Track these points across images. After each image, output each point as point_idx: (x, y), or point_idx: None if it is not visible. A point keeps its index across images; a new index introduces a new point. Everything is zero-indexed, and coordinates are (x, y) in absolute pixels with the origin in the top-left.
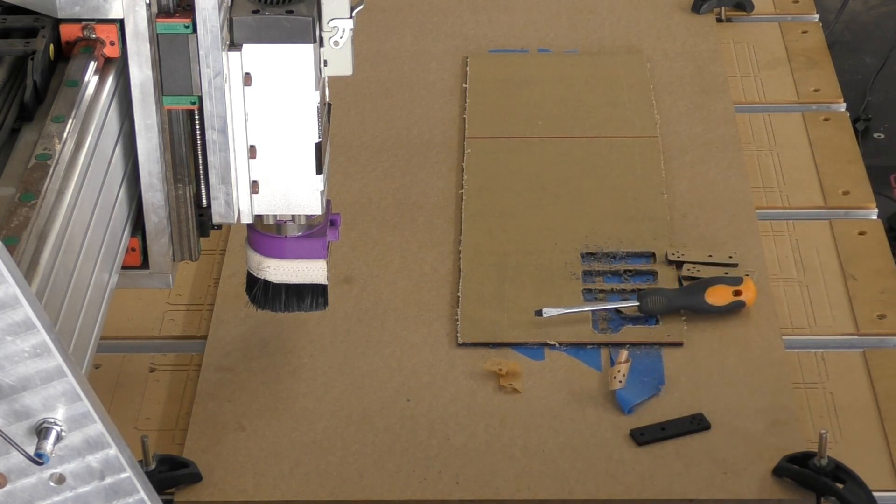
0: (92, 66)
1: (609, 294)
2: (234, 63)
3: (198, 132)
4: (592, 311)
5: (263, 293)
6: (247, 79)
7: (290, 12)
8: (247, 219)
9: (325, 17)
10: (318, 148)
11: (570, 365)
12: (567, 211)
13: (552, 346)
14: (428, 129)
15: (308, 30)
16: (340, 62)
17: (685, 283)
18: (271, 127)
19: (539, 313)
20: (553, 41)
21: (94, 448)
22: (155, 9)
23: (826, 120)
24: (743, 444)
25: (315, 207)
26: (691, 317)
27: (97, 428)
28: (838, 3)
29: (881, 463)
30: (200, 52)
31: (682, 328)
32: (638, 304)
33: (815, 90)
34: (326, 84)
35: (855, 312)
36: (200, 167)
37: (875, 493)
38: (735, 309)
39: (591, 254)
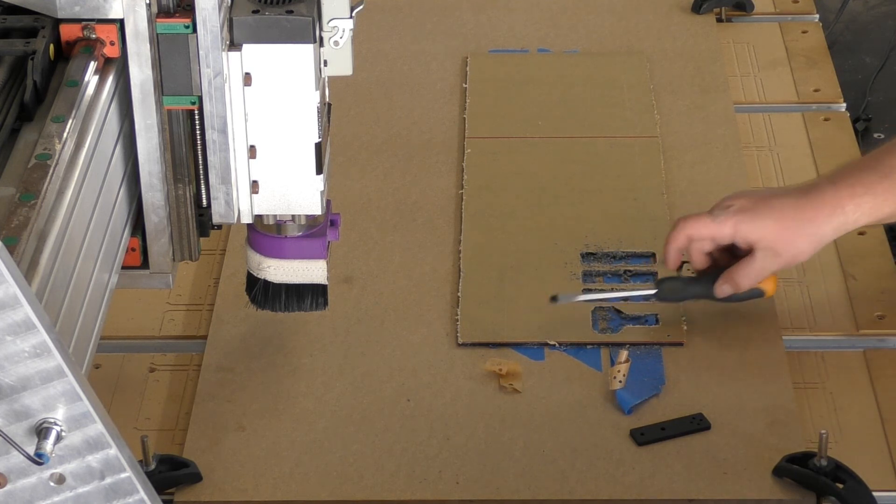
0: (92, 66)
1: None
2: (234, 63)
3: (198, 132)
4: (610, 298)
5: (263, 293)
6: (247, 79)
7: (290, 12)
8: (247, 219)
9: (325, 17)
10: (318, 148)
11: (570, 365)
12: (567, 211)
13: (552, 346)
14: (428, 129)
15: (308, 30)
16: (340, 62)
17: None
18: (271, 127)
19: (554, 299)
20: (553, 41)
21: (94, 448)
22: (155, 9)
23: (826, 120)
24: (743, 444)
25: (315, 207)
26: (691, 317)
27: (97, 428)
28: (838, 3)
29: (881, 463)
30: (200, 52)
31: (682, 328)
32: (656, 290)
33: (815, 90)
34: (326, 84)
35: (855, 312)
36: (200, 167)
37: (875, 493)
38: (753, 297)
39: (591, 254)
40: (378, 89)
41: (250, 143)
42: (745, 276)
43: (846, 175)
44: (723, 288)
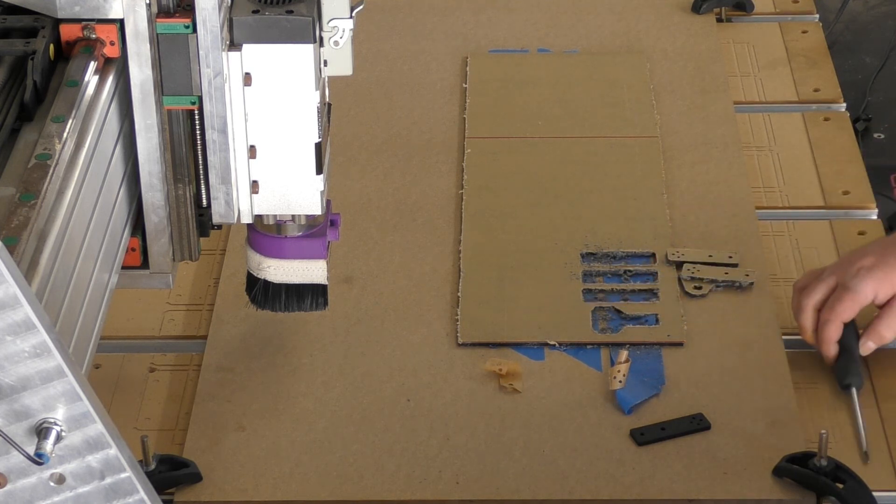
0: (92, 66)
1: (609, 294)
2: (234, 63)
3: (198, 132)
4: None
5: (263, 293)
6: (247, 79)
7: (290, 12)
8: (247, 219)
9: (325, 17)
10: (318, 148)
11: (570, 365)
12: (567, 211)
13: (552, 346)
14: (428, 129)
15: (308, 30)
16: (340, 62)
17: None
18: (271, 127)
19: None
20: (553, 41)
21: (94, 448)
22: (155, 9)
23: (826, 120)
24: (743, 444)
25: (315, 207)
26: (691, 317)
27: (97, 428)
28: (838, 3)
29: (881, 463)
30: (200, 52)
31: (682, 328)
32: (848, 384)
33: (815, 90)
34: (326, 84)
35: None
36: (200, 167)
37: (875, 493)
38: None
39: (591, 254)
40: (378, 89)
41: (250, 143)
42: (888, 327)
43: None
44: (867, 345)
